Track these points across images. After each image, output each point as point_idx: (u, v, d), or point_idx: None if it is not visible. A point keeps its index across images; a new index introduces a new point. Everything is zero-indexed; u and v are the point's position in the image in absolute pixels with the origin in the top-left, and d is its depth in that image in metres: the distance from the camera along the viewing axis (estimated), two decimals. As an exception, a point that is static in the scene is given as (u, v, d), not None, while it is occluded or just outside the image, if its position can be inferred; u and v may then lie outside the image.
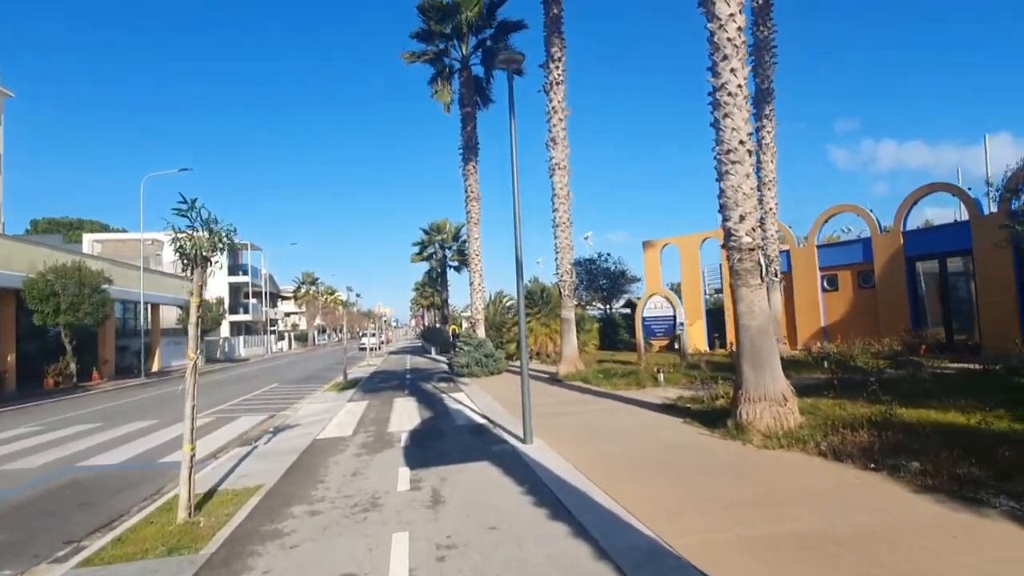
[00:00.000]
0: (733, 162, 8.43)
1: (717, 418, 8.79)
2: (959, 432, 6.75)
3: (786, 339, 20.27)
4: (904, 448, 6.30)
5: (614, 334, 29.65)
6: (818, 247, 22.25)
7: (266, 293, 60.93)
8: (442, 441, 9.16)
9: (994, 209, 16.49)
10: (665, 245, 27.36)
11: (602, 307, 32.56)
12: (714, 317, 27.04)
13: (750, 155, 8.48)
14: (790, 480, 5.87)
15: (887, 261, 19.66)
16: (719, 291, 29.28)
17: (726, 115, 8.48)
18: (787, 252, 22.75)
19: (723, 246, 8.87)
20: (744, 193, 8.40)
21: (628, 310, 32.23)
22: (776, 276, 19.10)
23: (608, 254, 33.66)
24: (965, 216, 18.02)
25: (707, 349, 24.00)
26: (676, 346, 18.34)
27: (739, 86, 8.50)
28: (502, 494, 6.00)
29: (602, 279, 31.21)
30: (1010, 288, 16.09)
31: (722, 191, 8.56)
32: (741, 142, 8.43)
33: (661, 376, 14.30)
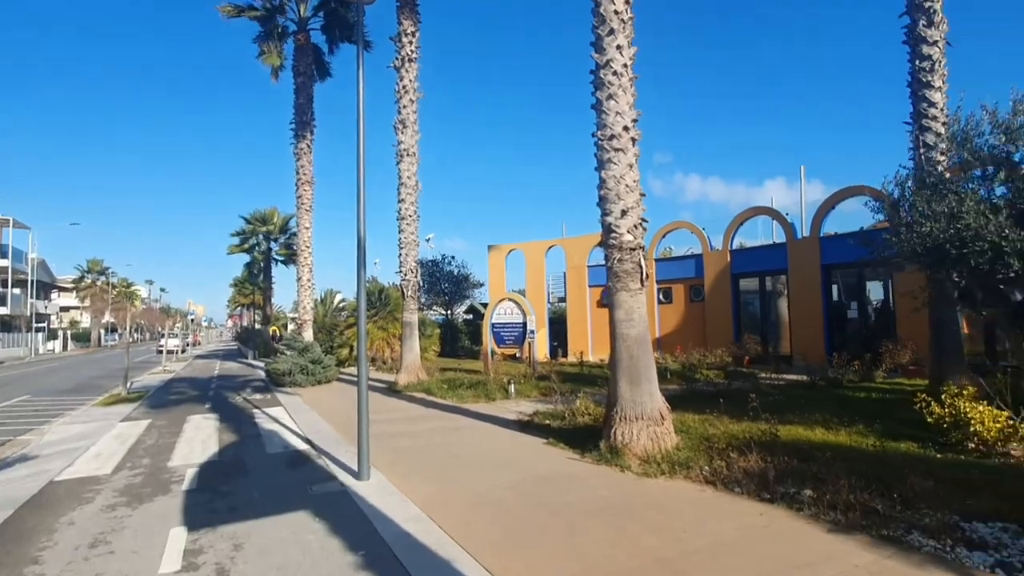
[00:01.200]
0: (616, 149, 7.47)
1: (584, 438, 7.73)
2: (850, 455, 6.33)
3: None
4: (799, 474, 5.66)
5: (455, 341, 28.36)
6: (656, 260, 23.14)
7: (34, 282, 49.79)
8: (244, 480, 6.90)
9: (807, 233, 18.15)
10: (511, 251, 26.79)
11: (444, 312, 31.11)
12: (556, 326, 27.05)
13: (634, 143, 7.59)
14: (694, 524, 4.84)
15: (715, 277, 20.88)
16: (562, 299, 29.47)
17: (610, 96, 7.51)
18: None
19: (601, 244, 7.88)
20: (627, 185, 7.47)
21: (471, 316, 31.20)
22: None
23: (452, 257, 32.26)
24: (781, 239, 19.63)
25: (549, 358, 23.73)
26: (523, 355, 17.48)
27: (625, 65, 7.58)
28: (327, 570, 4.15)
29: (444, 283, 29.78)
30: (818, 305, 17.74)
31: (602, 181, 7.55)
32: (625, 128, 7.51)
33: (512, 388, 13.18)
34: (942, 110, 10.44)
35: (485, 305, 29.11)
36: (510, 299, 18.31)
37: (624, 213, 7.42)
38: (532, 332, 16.09)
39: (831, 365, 14.03)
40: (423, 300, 30.09)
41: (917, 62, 10.62)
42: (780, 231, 19.52)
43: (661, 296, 22.83)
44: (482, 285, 30.67)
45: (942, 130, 10.39)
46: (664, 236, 23.39)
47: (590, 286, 24.86)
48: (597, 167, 7.71)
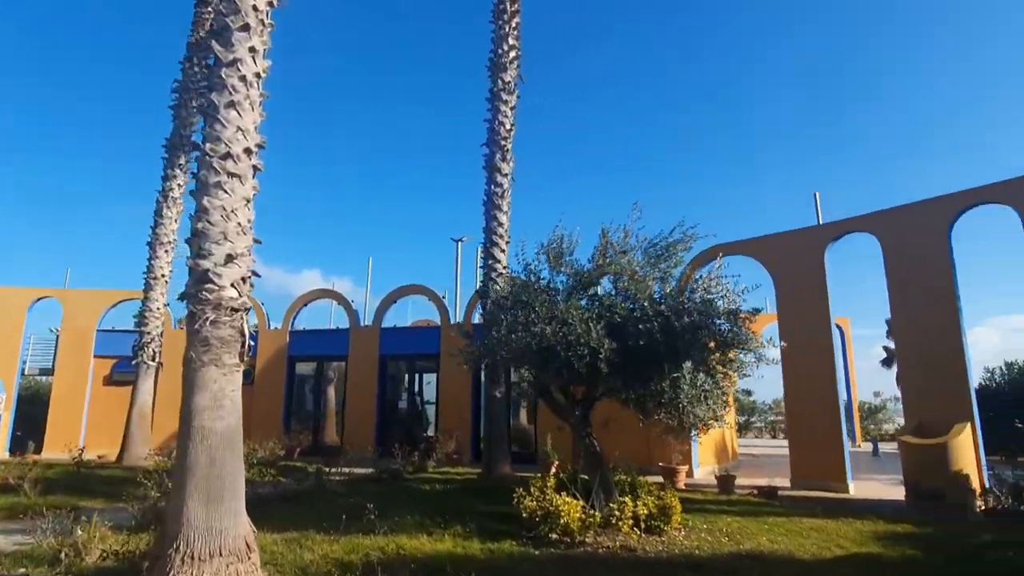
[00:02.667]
0: (231, 174, 5.54)
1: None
2: (466, 566, 5.64)
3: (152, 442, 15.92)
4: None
5: None
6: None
7: None
8: None
9: (369, 322, 18.48)
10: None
11: None
12: (27, 407, 19.44)
13: (254, 175, 5.82)
14: None
15: (270, 358, 18.94)
16: (45, 372, 21.59)
17: (232, 104, 5.65)
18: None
19: (183, 296, 5.52)
20: (239, 224, 5.56)
21: None
22: (154, 360, 15.19)
23: None
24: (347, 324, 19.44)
25: (9, 455, 16.41)
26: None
27: (258, 75, 5.92)
28: None
29: None
30: (373, 394, 17.87)
31: (203, 211, 5.42)
32: (248, 151, 5.71)
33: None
34: (507, 229, 12.28)
35: None
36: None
37: (230, 260, 5.43)
38: (-3, 419, 10.53)
39: (380, 456, 14.04)
40: None
41: (492, 187, 12.34)
42: (343, 316, 19.36)
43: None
44: None
45: (505, 247, 12.20)
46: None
47: (96, 356, 19.03)
48: (197, 190, 5.54)
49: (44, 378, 22.33)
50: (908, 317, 10.69)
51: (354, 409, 17.91)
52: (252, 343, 5.55)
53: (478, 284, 20.37)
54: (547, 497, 6.76)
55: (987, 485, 9.28)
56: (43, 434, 17.93)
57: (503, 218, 12.28)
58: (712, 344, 6.80)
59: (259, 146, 5.86)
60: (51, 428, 18.04)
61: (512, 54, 12.83)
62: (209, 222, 5.39)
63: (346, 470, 13.10)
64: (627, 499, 6.72)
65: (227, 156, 5.53)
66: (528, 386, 8.23)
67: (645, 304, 6.48)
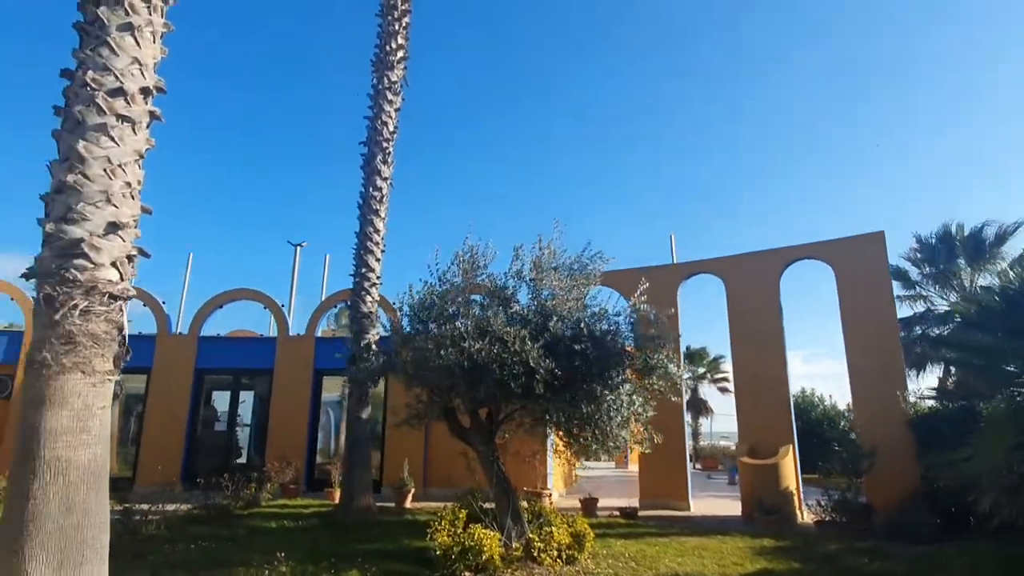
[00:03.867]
0: (122, 117, 4.15)
1: None
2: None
3: None
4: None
5: None
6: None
7: None
8: None
9: (302, 331, 15.52)
10: None
11: None
12: None
13: (150, 124, 4.44)
14: None
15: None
16: None
17: (129, 27, 4.27)
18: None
19: (31, 274, 3.91)
20: (128, 184, 4.16)
21: None
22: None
23: None
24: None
25: None
26: None
27: (158, 9, 4.59)
28: None
29: None
30: (183, 416, 15.02)
31: (80, 161, 3.95)
32: (145, 91, 4.35)
33: None
34: (383, 236, 11.37)
35: None
36: None
37: (114, 230, 4.02)
38: None
39: (186, 490, 11.90)
40: None
41: (371, 189, 11.38)
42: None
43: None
44: None
45: (381, 255, 11.27)
46: None
47: None
48: (65, 132, 4.04)
49: None
50: (743, 350, 12.13)
51: (154, 435, 14.86)
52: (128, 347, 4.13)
53: (324, 294, 18.66)
54: (463, 531, 6.12)
55: (803, 499, 10.80)
56: None
57: (380, 224, 11.33)
58: (629, 369, 6.87)
59: (158, 88, 4.51)
60: None
61: (400, 54, 12.10)
62: (85, 176, 3.94)
63: (146, 506, 10.56)
64: (552, 528, 6.38)
65: (118, 92, 4.15)
66: (424, 406, 7.48)
67: (581, 325, 6.31)
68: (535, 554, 6.17)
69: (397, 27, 12.13)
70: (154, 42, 4.48)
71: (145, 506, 9.14)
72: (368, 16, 12.48)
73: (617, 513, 10.83)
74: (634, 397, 6.45)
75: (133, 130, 4.24)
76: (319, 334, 16.15)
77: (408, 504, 11.78)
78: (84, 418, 3.74)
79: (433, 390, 7.17)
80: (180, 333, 15.75)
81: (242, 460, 15.45)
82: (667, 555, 7.15)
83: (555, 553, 6.15)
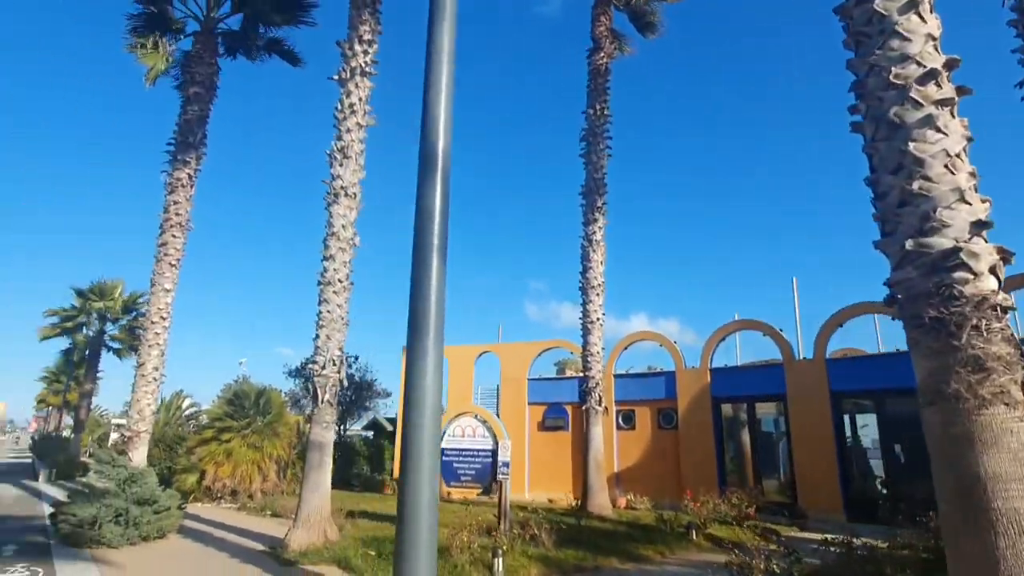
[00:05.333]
0: (936, 102, 3.57)
1: None
2: None
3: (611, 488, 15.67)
4: None
5: (349, 465, 21.75)
6: (616, 377, 19.27)
7: None
8: None
9: (809, 354, 15.34)
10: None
11: (336, 426, 24.52)
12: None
13: (956, 105, 3.77)
14: None
15: (692, 400, 17.33)
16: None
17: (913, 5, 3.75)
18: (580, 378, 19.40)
19: (890, 302, 3.69)
20: (967, 171, 3.52)
21: (371, 433, 24.87)
22: (600, 404, 14.95)
23: (355, 357, 25.95)
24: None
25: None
26: (494, 495, 12.12)
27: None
28: None
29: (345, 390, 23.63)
30: (829, 443, 14.51)
31: (916, 163, 3.53)
32: (947, 65, 3.71)
33: (499, 564, 7.91)
34: None
35: (392, 420, 23.23)
36: (473, 415, 13.18)
37: (977, 230, 3.36)
38: (505, 465, 10.95)
39: (849, 520, 10.76)
40: (304, 408, 23.46)
41: None
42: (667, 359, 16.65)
43: (621, 420, 18.76)
44: (390, 395, 24.83)
45: None
46: (626, 349, 19.82)
47: (530, 403, 20.25)
48: (874, 140, 3.73)
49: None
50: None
51: (805, 459, 14.74)
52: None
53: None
54: None
55: None
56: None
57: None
58: None
59: (952, 62, 3.79)
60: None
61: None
62: (927, 178, 3.45)
63: (816, 536, 9.69)
64: None
65: (927, 78, 3.59)
66: None
67: None
68: None
69: None
70: (931, 12, 3.83)
71: (785, 533, 8.45)
72: None
73: None
74: None
75: (952, 113, 3.58)
76: None
77: None
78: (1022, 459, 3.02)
79: None
80: (804, 359, 15.49)
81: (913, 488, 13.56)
82: None
83: None
